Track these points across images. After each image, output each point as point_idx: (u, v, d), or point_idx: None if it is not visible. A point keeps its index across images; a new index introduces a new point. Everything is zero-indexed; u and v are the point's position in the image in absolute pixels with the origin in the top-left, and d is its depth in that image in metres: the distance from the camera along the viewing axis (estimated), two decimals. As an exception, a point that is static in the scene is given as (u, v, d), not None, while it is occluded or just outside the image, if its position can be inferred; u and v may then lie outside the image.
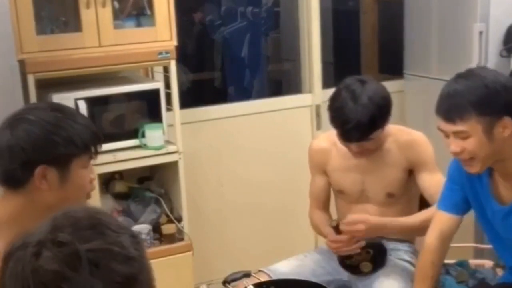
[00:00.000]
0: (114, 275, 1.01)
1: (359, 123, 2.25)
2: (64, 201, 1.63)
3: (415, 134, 2.49)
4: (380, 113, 2.30)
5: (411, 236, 2.58)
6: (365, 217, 2.38)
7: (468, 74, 1.97)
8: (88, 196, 1.73)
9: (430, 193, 2.42)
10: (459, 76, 1.98)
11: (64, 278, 0.98)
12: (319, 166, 2.59)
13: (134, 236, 1.08)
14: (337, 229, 2.37)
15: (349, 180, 2.52)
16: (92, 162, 1.71)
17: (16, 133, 1.60)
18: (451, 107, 1.92)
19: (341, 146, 2.46)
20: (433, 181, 2.41)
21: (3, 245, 1.56)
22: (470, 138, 1.91)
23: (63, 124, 1.62)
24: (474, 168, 1.99)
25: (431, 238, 2.21)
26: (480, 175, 2.07)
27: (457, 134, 1.93)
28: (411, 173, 2.46)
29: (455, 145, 1.94)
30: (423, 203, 2.53)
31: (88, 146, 1.65)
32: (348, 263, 2.44)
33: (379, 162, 2.46)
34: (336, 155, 2.53)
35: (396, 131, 2.47)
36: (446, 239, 2.21)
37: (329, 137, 2.56)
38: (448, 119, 1.93)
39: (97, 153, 1.70)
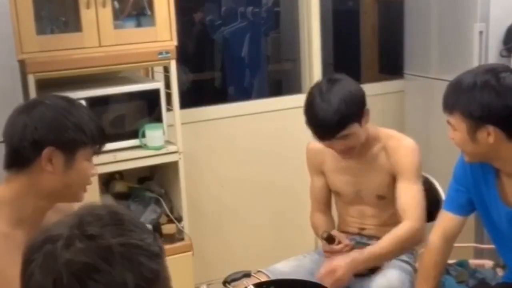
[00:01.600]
0: (144, 270, 1.03)
1: (325, 121, 2.24)
2: (65, 188, 1.70)
3: (404, 141, 2.44)
4: (346, 108, 2.25)
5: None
6: (333, 268, 2.25)
7: (482, 71, 1.95)
8: (85, 189, 1.78)
9: (401, 203, 2.36)
10: (477, 70, 1.98)
11: (97, 270, 1.00)
12: (316, 167, 2.59)
13: (154, 235, 1.12)
14: (328, 240, 2.39)
15: (343, 181, 2.52)
16: (95, 159, 1.76)
17: (32, 115, 1.67)
18: (447, 97, 1.98)
19: None
20: (407, 192, 2.37)
21: (4, 224, 1.62)
22: (456, 131, 1.97)
23: (75, 112, 1.70)
24: (465, 158, 2.05)
25: (434, 237, 2.21)
26: (486, 176, 2.07)
27: (448, 122, 1.99)
28: None
29: (449, 131, 2.01)
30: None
31: (95, 139, 1.71)
32: None
33: (368, 166, 2.46)
34: (331, 156, 2.52)
35: (385, 136, 2.45)
36: (449, 239, 2.21)
37: None
38: (443, 107, 1.99)
39: (101, 149, 1.76)
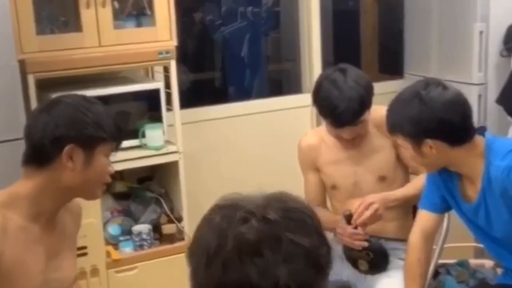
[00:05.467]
0: (301, 275, 1.02)
1: (349, 105, 2.27)
2: (83, 185, 1.73)
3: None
4: (366, 93, 2.33)
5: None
6: (372, 198, 2.36)
7: (410, 89, 2.04)
8: (102, 186, 1.82)
9: (413, 164, 2.40)
10: (403, 92, 2.06)
11: (259, 254, 1.01)
12: (311, 163, 2.59)
13: (329, 251, 1.09)
14: (348, 219, 2.38)
15: (341, 173, 2.52)
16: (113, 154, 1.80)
17: (53, 112, 1.70)
18: (387, 119, 2.06)
19: (330, 141, 2.48)
20: None
21: (20, 218, 1.66)
22: (405, 149, 2.06)
23: (93, 109, 1.73)
24: (425, 170, 2.16)
25: (414, 237, 2.24)
26: (451, 175, 2.11)
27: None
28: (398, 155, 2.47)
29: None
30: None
31: (113, 135, 1.75)
32: (348, 253, 2.44)
33: (367, 149, 2.47)
34: (325, 150, 2.53)
35: (372, 113, 2.43)
36: (428, 237, 2.25)
37: (316, 133, 2.58)
38: (387, 130, 2.08)
39: (119, 146, 1.81)
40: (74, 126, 1.69)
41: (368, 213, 2.33)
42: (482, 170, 2.01)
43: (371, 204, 2.34)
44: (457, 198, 2.14)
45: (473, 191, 2.07)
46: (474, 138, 2.00)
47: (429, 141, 1.95)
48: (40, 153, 1.69)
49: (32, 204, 1.68)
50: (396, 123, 2.02)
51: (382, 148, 2.47)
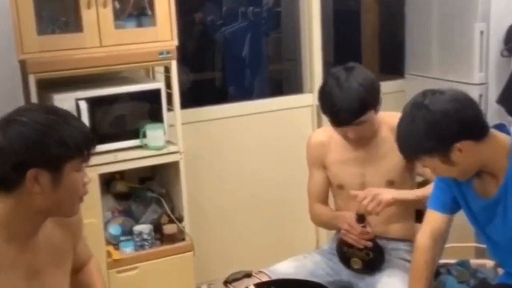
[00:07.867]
0: None
1: (347, 105, 2.27)
2: (57, 205, 1.63)
3: None
4: (367, 92, 2.31)
5: (413, 233, 2.58)
6: (380, 190, 2.36)
7: (412, 109, 1.97)
8: (81, 199, 1.70)
9: (429, 174, 2.39)
10: (404, 113, 2.00)
11: None
12: (318, 160, 2.58)
13: None
14: (359, 217, 2.36)
15: (348, 172, 2.51)
16: (85, 165, 1.68)
17: (9, 135, 1.56)
18: (404, 150, 2.02)
19: (339, 139, 2.47)
20: None
21: None
22: (435, 169, 2.01)
23: (55, 126, 1.59)
24: (459, 180, 2.09)
25: (422, 237, 2.21)
26: None
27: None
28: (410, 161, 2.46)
29: (428, 171, 2.13)
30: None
31: (80, 149, 1.62)
32: (345, 250, 2.44)
33: (377, 152, 2.47)
34: (334, 148, 2.53)
35: (389, 118, 2.43)
36: (438, 238, 2.22)
37: (327, 131, 2.57)
38: (406, 158, 2.09)
39: (90, 156, 1.67)
40: (34, 150, 1.55)
41: (371, 206, 2.32)
42: (507, 166, 1.98)
43: (377, 195, 2.32)
44: (470, 195, 2.10)
45: (493, 187, 2.04)
46: (491, 131, 1.98)
47: (456, 145, 1.91)
48: (3, 180, 1.58)
49: (4, 227, 1.59)
50: (414, 146, 1.97)
51: (392, 152, 2.44)
